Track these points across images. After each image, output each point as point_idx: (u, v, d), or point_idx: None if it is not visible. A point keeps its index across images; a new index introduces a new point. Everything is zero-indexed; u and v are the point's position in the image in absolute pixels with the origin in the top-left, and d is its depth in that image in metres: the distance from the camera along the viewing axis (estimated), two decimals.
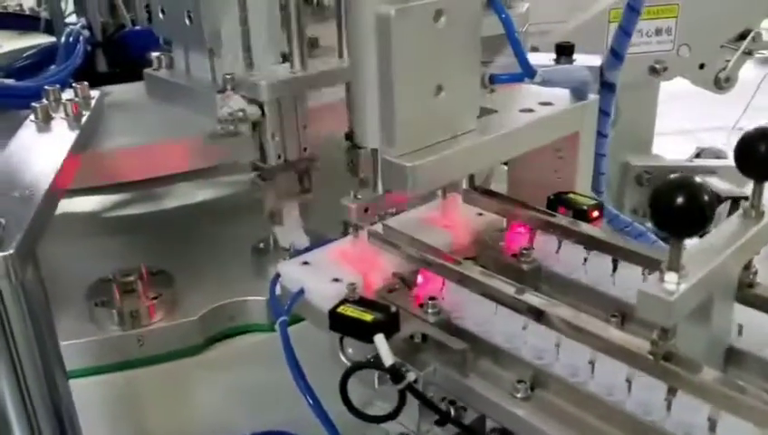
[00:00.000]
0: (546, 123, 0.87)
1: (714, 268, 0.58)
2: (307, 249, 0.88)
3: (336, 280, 0.80)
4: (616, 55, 1.07)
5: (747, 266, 0.68)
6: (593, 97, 0.93)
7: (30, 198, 0.69)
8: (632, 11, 1.02)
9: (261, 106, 0.86)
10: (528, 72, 0.82)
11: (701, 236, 0.57)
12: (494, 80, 0.84)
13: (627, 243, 0.81)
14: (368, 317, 0.69)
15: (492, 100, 0.88)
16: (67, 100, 0.95)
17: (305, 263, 0.84)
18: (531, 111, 0.88)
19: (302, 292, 0.81)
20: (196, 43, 1.01)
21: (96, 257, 0.97)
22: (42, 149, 0.84)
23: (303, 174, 0.93)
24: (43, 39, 1.52)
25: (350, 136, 1.00)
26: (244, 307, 0.90)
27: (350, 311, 0.71)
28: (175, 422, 0.88)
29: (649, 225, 1.05)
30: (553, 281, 0.81)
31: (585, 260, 0.80)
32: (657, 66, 1.36)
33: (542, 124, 0.87)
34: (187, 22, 0.98)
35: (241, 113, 0.85)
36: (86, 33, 1.30)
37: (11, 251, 0.60)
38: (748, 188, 1.58)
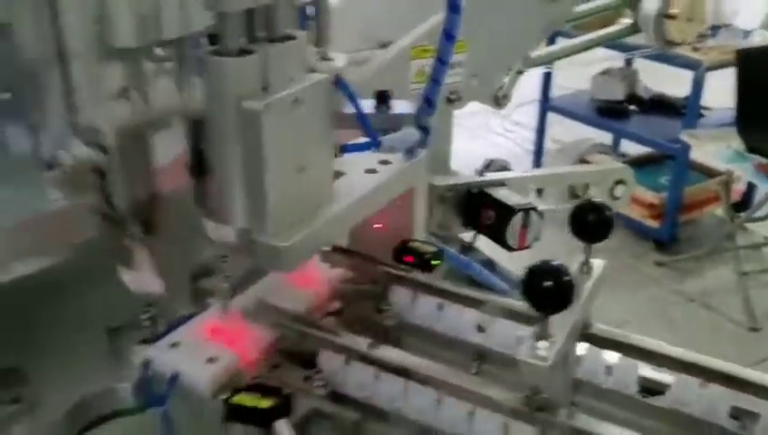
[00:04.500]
0: (390, 182, 0.94)
1: (572, 326, 0.70)
2: (171, 327, 0.88)
3: (211, 360, 0.81)
4: (429, 103, 1.16)
5: None
6: (422, 153, 1.01)
7: None
8: (442, 63, 1.12)
9: (104, 150, 0.84)
10: (375, 143, 0.88)
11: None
12: (344, 150, 0.89)
13: (471, 291, 0.91)
14: (264, 404, 0.73)
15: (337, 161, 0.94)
16: None
17: (175, 344, 0.84)
18: (374, 171, 0.94)
19: (176, 377, 0.81)
20: (14, 118, 0.94)
21: None
22: None
23: (151, 214, 0.92)
24: None
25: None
26: (108, 395, 0.87)
27: (245, 400, 0.73)
28: None
29: None
30: (414, 332, 0.89)
31: (440, 309, 0.90)
32: (452, 96, 1.49)
33: (387, 184, 0.94)
34: (7, 95, 0.91)
35: (86, 161, 0.82)
36: None
37: None
38: (531, 196, 1.77)
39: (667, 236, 4.03)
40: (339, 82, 0.83)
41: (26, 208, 0.91)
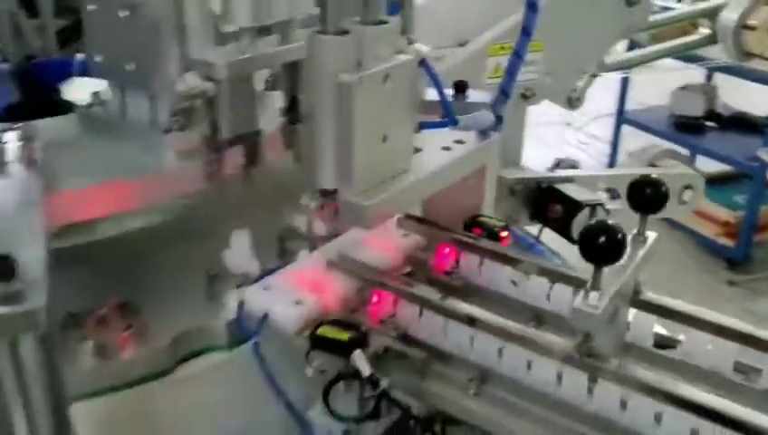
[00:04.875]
0: (463, 160, 1.04)
1: (621, 285, 0.78)
2: (263, 274, 1.00)
3: (298, 303, 0.92)
4: (504, 94, 1.25)
5: None
6: (495, 135, 1.10)
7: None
8: (518, 58, 1.21)
9: (215, 81, 0.97)
10: (453, 122, 0.98)
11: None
12: (423, 126, 0.99)
13: (533, 258, 0.99)
14: (344, 336, 0.83)
15: (415, 137, 1.04)
16: (18, 143, 0.98)
17: (266, 288, 0.96)
18: (449, 149, 1.04)
19: (266, 316, 0.93)
20: (137, 86, 1.07)
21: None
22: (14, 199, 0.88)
23: (251, 148, 1.05)
24: None
25: None
26: (205, 331, 0.99)
27: (328, 332, 0.84)
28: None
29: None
30: (479, 293, 0.98)
31: (502, 274, 0.98)
32: (527, 93, 1.57)
33: (460, 161, 1.03)
34: (132, 66, 1.05)
35: (197, 90, 0.96)
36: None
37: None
38: (599, 194, 1.82)
39: (741, 256, 3.98)
40: (423, 64, 0.93)
41: (144, 168, 1.05)
